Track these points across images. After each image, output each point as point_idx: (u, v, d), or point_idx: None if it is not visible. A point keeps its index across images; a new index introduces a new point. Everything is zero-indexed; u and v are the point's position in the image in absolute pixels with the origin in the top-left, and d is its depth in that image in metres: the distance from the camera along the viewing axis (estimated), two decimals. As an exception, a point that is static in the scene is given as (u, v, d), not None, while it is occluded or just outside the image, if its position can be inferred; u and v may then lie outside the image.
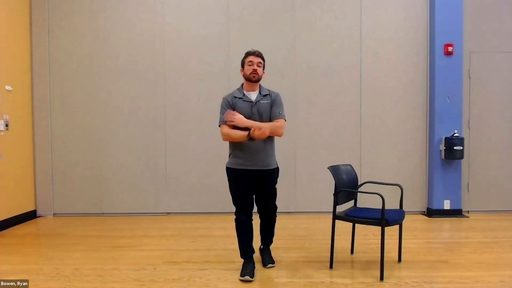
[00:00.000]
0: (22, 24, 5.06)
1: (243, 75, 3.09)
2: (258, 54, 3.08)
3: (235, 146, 3.04)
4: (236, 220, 3.12)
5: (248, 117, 2.97)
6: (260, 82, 3.12)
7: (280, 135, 3.03)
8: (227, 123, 2.95)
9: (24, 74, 5.12)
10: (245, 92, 3.09)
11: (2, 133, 4.64)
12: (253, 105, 3.02)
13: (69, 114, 5.29)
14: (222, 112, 3.03)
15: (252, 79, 3.03)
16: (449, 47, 5.07)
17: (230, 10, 5.20)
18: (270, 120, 3.05)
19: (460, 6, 5.10)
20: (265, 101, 3.06)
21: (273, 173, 3.16)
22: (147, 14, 5.24)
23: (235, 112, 2.95)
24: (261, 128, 2.87)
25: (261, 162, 3.04)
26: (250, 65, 3.03)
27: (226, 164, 3.12)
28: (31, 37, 5.21)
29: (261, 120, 3.01)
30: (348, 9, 5.26)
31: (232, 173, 3.09)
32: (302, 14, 5.25)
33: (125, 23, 5.25)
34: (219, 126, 3.05)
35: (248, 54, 3.09)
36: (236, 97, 3.06)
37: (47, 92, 5.26)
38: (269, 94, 3.11)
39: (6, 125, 4.70)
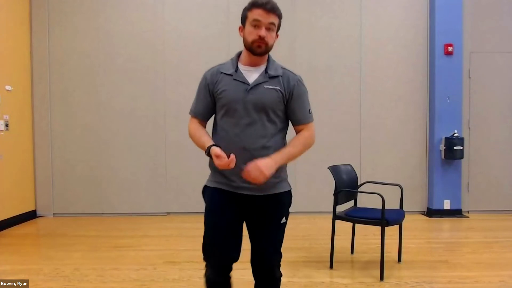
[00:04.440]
0: (22, 23, 5.06)
1: (243, 40, 1.86)
2: (271, 9, 1.79)
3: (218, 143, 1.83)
4: (205, 279, 1.91)
5: (233, 110, 1.82)
6: (270, 53, 1.91)
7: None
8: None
9: (24, 74, 5.11)
10: (240, 67, 1.87)
11: (2, 133, 4.64)
12: (249, 90, 1.81)
13: (69, 114, 5.29)
14: (197, 96, 1.96)
15: (256, 51, 1.81)
16: (449, 47, 5.07)
17: (230, 10, 5.19)
18: (293, 124, 1.96)
19: (460, 6, 5.10)
20: (271, 87, 1.84)
21: (282, 202, 1.97)
22: (147, 14, 5.24)
23: (232, 158, 1.72)
24: (259, 168, 1.71)
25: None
26: (255, 26, 1.79)
27: (206, 182, 1.97)
28: (31, 36, 5.21)
29: (259, 118, 1.82)
30: (348, 9, 5.26)
31: (208, 195, 1.91)
32: (302, 14, 5.25)
33: (125, 23, 5.25)
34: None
35: (254, 5, 1.80)
36: (222, 73, 1.87)
37: (47, 92, 5.26)
38: (281, 76, 1.87)
39: (6, 125, 4.70)
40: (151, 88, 5.26)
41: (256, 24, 1.79)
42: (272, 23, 1.81)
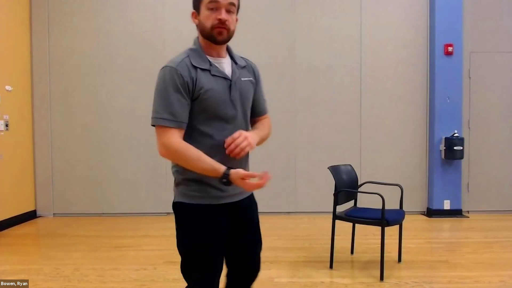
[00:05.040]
0: (22, 24, 5.06)
1: (200, 28, 1.64)
2: None
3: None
4: None
5: (221, 111, 1.58)
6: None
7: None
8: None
9: (24, 74, 5.11)
10: (210, 59, 1.62)
11: (2, 133, 4.64)
12: (232, 85, 1.62)
13: (69, 114, 5.29)
14: (165, 99, 1.53)
15: (217, 39, 1.58)
16: (449, 47, 5.07)
17: (230, 10, 5.19)
18: (255, 115, 1.78)
19: (460, 6, 5.10)
20: (246, 78, 1.69)
21: (255, 201, 1.81)
22: (147, 14, 5.24)
23: (266, 173, 1.48)
24: (247, 138, 1.53)
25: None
26: (212, 9, 1.56)
27: (176, 199, 1.66)
28: (31, 36, 5.21)
29: (242, 116, 1.66)
30: (348, 9, 5.26)
31: (194, 215, 1.59)
32: (302, 14, 5.25)
33: (125, 23, 5.25)
34: (156, 126, 1.55)
35: None
36: (197, 68, 1.57)
37: (47, 92, 5.25)
38: (246, 66, 1.74)
39: (6, 125, 4.70)
40: (151, 88, 5.21)
41: (214, 7, 1.54)
42: (232, 3, 1.57)
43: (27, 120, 5.15)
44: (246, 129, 1.66)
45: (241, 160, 1.63)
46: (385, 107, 5.29)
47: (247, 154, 1.65)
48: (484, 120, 5.29)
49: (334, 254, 3.29)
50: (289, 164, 5.26)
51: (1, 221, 4.58)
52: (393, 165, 5.29)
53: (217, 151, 1.55)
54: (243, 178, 1.47)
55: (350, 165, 3.61)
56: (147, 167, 5.29)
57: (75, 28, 5.25)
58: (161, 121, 1.52)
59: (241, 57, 1.75)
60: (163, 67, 1.60)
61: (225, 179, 1.48)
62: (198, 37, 1.67)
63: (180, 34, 5.20)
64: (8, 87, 4.75)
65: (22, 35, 5.06)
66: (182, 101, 1.53)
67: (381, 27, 5.26)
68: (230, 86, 1.60)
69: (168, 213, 5.31)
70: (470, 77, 5.27)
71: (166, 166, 5.28)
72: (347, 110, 5.29)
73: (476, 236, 4.26)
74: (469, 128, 5.28)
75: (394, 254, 3.52)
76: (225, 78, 1.60)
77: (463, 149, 5.00)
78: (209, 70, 1.58)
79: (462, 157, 5.05)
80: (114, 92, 5.27)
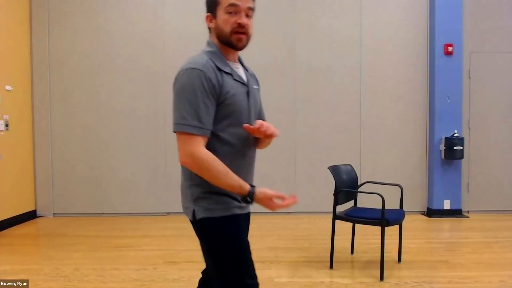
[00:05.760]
0: (22, 24, 5.06)
1: (215, 32, 1.54)
2: None
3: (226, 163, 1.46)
4: None
5: (242, 118, 1.53)
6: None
7: None
8: None
9: (24, 74, 5.11)
10: (230, 64, 1.56)
11: (2, 133, 4.64)
12: (249, 91, 1.59)
13: (69, 114, 5.29)
14: (193, 104, 1.41)
15: (237, 45, 1.52)
16: (449, 47, 5.07)
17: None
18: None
19: (460, 6, 5.10)
20: (255, 86, 1.68)
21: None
22: (147, 14, 5.24)
23: (294, 196, 1.48)
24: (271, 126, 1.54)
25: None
26: (231, 12, 1.48)
27: (200, 215, 1.52)
28: (31, 37, 5.21)
29: (254, 123, 1.56)
30: (348, 9, 5.26)
31: (225, 228, 1.51)
32: (302, 14, 5.25)
33: (125, 23, 5.25)
34: (179, 133, 1.43)
35: None
36: (222, 71, 1.49)
37: (47, 92, 5.26)
38: (249, 71, 1.70)
39: (6, 125, 4.70)
40: (151, 88, 5.26)
41: (234, 11, 1.47)
42: (250, 8, 1.50)
43: (27, 120, 5.15)
44: (254, 138, 1.61)
45: (251, 171, 1.62)
46: (385, 107, 5.29)
47: (254, 166, 1.65)
48: (484, 120, 5.29)
49: (334, 254, 3.29)
50: (289, 164, 5.25)
51: (1, 221, 4.58)
52: (393, 165, 5.29)
53: (234, 160, 1.51)
54: (272, 196, 1.44)
55: (350, 165, 3.61)
56: (147, 167, 5.29)
57: (75, 28, 5.25)
58: (188, 128, 1.40)
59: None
60: (186, 69, 1.44)
61: (250, 198, 1.45)
62: (212, 40, 1.57)
63: (180, 34, 5.20)
64: (8, 87, 4.75)
65: (22, 35, 5.06)
66: (209, 106, 1.44)
67: (381, 27, 5.26)
68: (247, 93, 1.57)
69: (168, 213, 5.31)
70: (470, 77, 5.27)
71: (166, 166, 5.28)
72: (347, 110, 5.29)
73: (476, 236, 4.26)
74: (469, 128, 5.28)
75: (394, 254, 3.52)
76: (243, 84, 1.56)
77: (463, 149, 5.00)
78: (231, 74, 1.52)
79: (462, 157, 5.05)
80: (114, 92, 5.27)
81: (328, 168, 3.35)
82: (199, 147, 1.41)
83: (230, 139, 1.51)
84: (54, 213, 5.31)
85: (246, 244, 1.55)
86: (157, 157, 5.29)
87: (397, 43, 5.27)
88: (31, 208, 5.20)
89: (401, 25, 5.27)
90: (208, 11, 1.55)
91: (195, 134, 1.41)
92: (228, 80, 1.49)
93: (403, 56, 5.27)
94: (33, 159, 5.25)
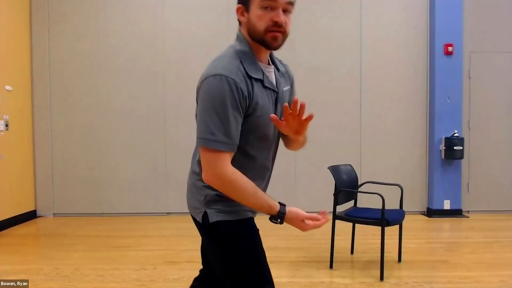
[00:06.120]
0: (22, 24, 5.06)
1: (247, 27, 1.37)
2: None
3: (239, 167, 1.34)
4: None
5: (269, 130, 1.41)
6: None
7: None
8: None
9: (24, 74, 5.11)
10: (262, 67, 1.40)
11: (2, 133, 4.64)
12: (278, 98, 1.43)
13: (69, 114, 5.29)
14: (222, 118, 1.27)
15: (272, 45, 1.34)
16: (449, 47, 5.07)
17: (231, 10, 5.19)
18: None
19: (460, 6, 5.10)
20: (285, 88, 1.49)
21: None
22: (147, 13, 5.24)
23: (325, 212, 1.47)
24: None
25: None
26: (267, 8, 1.31)
27: (214, 218, 1.42)
28: (31, 37, 5.21)
29: (279, 132, 1.48)
30: (348, 9, 5.26)
31: (241, 231, 1.45)
32: (302, 14, 5.25)
33: (125, 23, 5.25)
34: (206, 149, 1.32)
35: None
36: (252, 78, 1.33)
37: (47, 92, 5.26)
38: (284, 71, 1.54)
39: (6, 125, 4.70)
40: (151, 88, 5.26)
41: (269, 5, 1.29)
42: (290, 2, 1.34)
43: (27, 120, 5.15)
44: (277, 148, 1.50)
45: (267, 186, 1.53)
46: (385, 107, 5.29)
47: (270, 176, 1.53)
48: (484, 120, 5.29)
49: (334, 254, 3.29)
50: (289, 164, 5.25)
51: (1, 221, 4.58)
52: (393, 165, 5.29)
53: (257, 175, 1.41)
54: (304, 218, 1.37)
55: (350, 165, 3.61)
56: (147, 167, 5.29)
57: (75, 28, 5.25)
58: (217, 144, 1.26)
59: (278, 60, 1.52)
60: (215, 75, 1.27)
61: (280, 219, 1.36)
62: (243, 33, 1.38)
63: (180, 34, 5.20)
64: (8, 87, 4.75)
65: (22, 35, 5.06)
66: (238, 120, 1.29)
67: (381, 27, 5.26)
68: (276, 99, 1.40)
69: (168, 213, 5.31)
70: (470, 77, 5.27)
71: (166, 166, 5.28)
72: (347, 110, 5.29)
73: (476, 236, 4.26)
74: (469, 128, 5.28)
75: (394, 254, 3.52)
76: (273, 90, 1.39)
77: (463, 149, 5.00)
78: (262, 81, 1.34)
79: (462, 157, 5.05)
80: (114, 92, 5.27)
81: (328, 168, 3.35)
82: (227, 165, 1.28)
83: (255, 153, 1.40)
84: (54, 213, 5.31)
85: (263, 248, 1.46)
86: (157, 157, 5.29)
87: (397, 43, 5.27)
88: (31, 208, 5.20)
89: (401, 25, 5.27)
90: (239, 2, 1.36)
91: (223, 151, 1.27)
92: (257, 88, 1.33)
93: (403, 56, 5.27)
94: (33, 159, 5.25)
